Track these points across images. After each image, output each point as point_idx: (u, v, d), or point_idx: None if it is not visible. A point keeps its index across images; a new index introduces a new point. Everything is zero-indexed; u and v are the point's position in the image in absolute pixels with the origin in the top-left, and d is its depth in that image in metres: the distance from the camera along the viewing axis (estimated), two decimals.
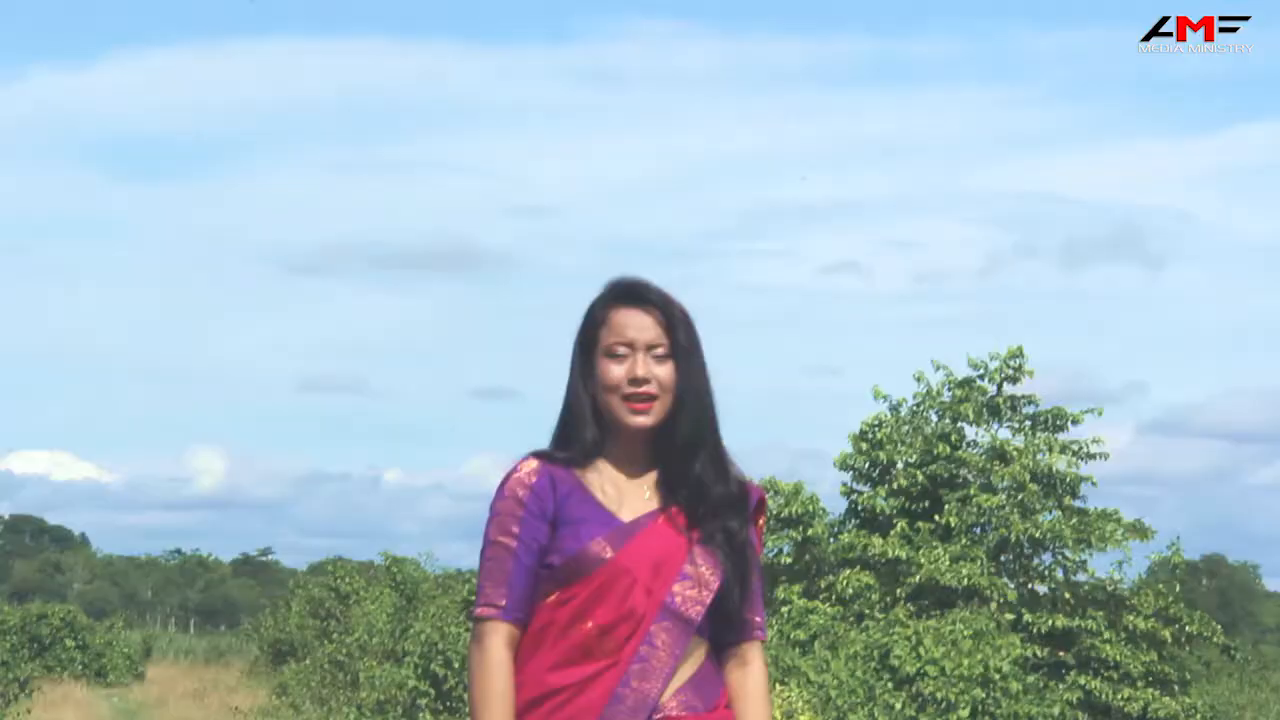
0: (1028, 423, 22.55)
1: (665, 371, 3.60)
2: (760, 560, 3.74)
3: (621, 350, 3.59)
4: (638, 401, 3.58)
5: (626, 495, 3.62)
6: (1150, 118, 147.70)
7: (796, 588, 21.42)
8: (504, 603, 3.54)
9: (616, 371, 3.58)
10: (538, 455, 3.62)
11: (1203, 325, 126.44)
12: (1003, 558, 21.99)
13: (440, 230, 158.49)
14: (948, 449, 21.91)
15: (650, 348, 3.59)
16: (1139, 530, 21.99)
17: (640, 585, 3.54)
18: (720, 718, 3.61)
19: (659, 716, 3.53)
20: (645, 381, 3.58)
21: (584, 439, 3.61)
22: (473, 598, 19.95)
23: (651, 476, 3.66)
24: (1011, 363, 22.56)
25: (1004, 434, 22.51)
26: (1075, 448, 22.29)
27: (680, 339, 3.62)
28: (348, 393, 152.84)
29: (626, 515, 3.59)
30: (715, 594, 3.60)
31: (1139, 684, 21.27)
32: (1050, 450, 22.16)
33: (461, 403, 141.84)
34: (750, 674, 3.69)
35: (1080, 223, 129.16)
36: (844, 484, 22.77)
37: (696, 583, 3.58)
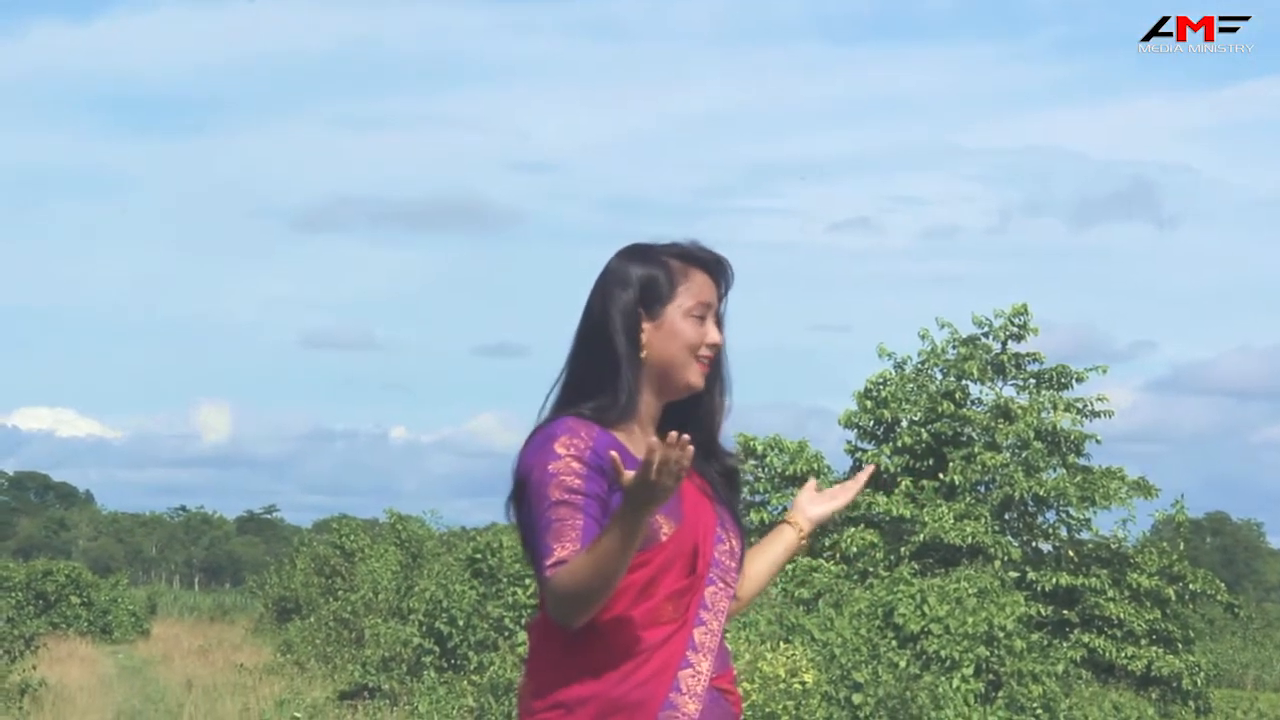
0: (1032, 380, 22.53)
1: (720, 338, 3.66)
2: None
3: (699, 312, 3.60)
4: (705, 364, 3.61)
5: None
6: (1155, 73, 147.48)
7: None
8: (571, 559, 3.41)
9: (698, 332, 3.59)
10: (579, 415, 3.53)
11: (1212, 282, 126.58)
12: (1007, 516, 22.00)
13: (444, 186, 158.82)
14: (952, 407, 21.90)
15: (716, 314, 3.65)
16: (1143, 488, 21.99)
17: (700, 551, 3.55)
18: (732, 674, 3.66)
19: (713, 680, 3.55)
20: (719, 348, 3.63)
21: (630, 396, 3.57)
22: (477, 555, 19.88)
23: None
24: (1016, 320, 22.52)
25: (1008, 392, 22.52)
26: (1080, 405, 22.28)
27: (725, 308, 3.69)
28: (354, 349, 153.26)
29: None
30: (740, 556, 3.65)
31: (1143, 642, 21.31)
32: (1055, 408, 22.15)
33: (467, 360, 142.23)
34: None
35: (1087, 180, 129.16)
36: (848, 442, 22.79)
37: (728, 545, 3.63)
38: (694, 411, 3.65)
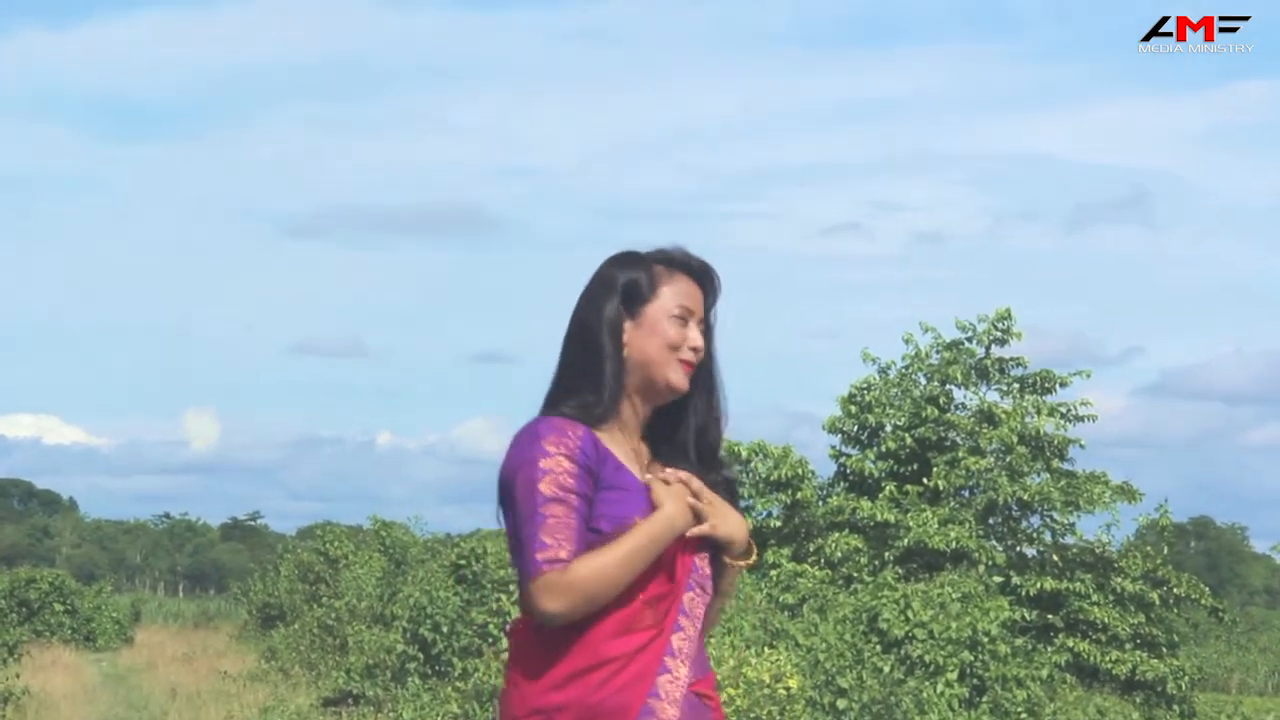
0: (1016, 385, 22.55)
1: (703, 345, 3.67)
2: None
3: (681, 314, 3.63)
4: (687, 366, 3.63)
5: (639, 460, 3.62)
6: (1145, 76, 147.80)
7: (785, 551, 21.43)
8: (570, 559, 3.42)
9: (680, 333, 3.61)
10: (564, 415, 3.55)
11: (1202, 287, 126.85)
12: (991, 520, 22.02)
13: (434, 192, 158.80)
14: (936, 411, 21.91)
15: (700, 321, 3.66)
16: (1127, 493, 22.01)
17: (677, 556, 3.55)
18: (712, 679, 3.67)
19: (691, 685, 3.55)
20: (700, 350, 3.64)
21: (612, 395, 3.59)
22: (462, 562, 19.84)
23: (643, 441, 3.67)
24: (999, 325, 22.54)
25: (992, 396, 22.53)
26: (1063, 410, 22.30)
27: (713, 317, 3.71)
28: (342, 356, 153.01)
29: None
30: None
31: (1127, 646, 21.33)
32: (1038, 413, 22.17)
33: (456, 366, 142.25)
34: None
35: (1077, 184, 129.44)
36: (833, 447, 22.78)
37: (708, 553, 3.63)
38: (685, 422, 3.67)
